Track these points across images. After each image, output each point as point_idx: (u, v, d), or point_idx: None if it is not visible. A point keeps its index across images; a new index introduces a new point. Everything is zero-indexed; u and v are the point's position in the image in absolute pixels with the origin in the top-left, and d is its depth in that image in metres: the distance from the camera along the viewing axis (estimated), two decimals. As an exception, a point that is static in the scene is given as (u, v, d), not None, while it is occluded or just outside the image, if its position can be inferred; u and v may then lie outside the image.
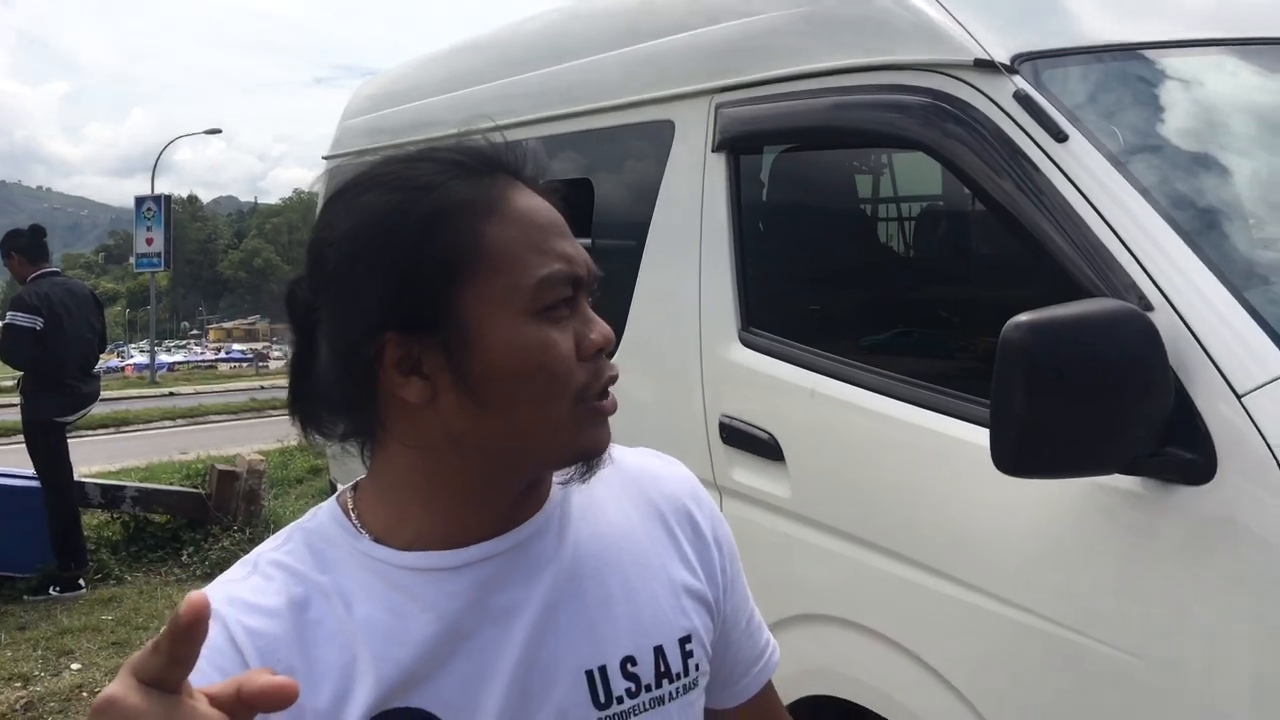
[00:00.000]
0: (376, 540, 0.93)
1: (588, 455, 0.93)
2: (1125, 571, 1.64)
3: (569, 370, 0.89)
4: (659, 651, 0.98)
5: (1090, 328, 1.50)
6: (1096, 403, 1.49)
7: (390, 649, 0.89)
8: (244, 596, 0.90)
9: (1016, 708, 1.80)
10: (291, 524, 0.98)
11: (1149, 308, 1.59)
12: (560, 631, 0.94)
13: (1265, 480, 1.47)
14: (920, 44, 2.01)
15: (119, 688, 0.63)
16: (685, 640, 1.00)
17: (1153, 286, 1.62)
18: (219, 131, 42.73)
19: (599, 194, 2.91)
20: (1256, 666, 1.49)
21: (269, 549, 0.95)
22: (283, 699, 0.65)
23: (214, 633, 0.85)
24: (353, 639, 0.89)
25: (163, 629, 0.64)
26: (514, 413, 0.89)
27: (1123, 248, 1.67)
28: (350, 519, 0.95)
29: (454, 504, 0.93)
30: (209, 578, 6.11)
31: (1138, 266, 1.65)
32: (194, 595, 0.62)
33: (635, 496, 1.05)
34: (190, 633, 0.62)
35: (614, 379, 0.94)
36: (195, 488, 6.96)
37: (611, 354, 0.94)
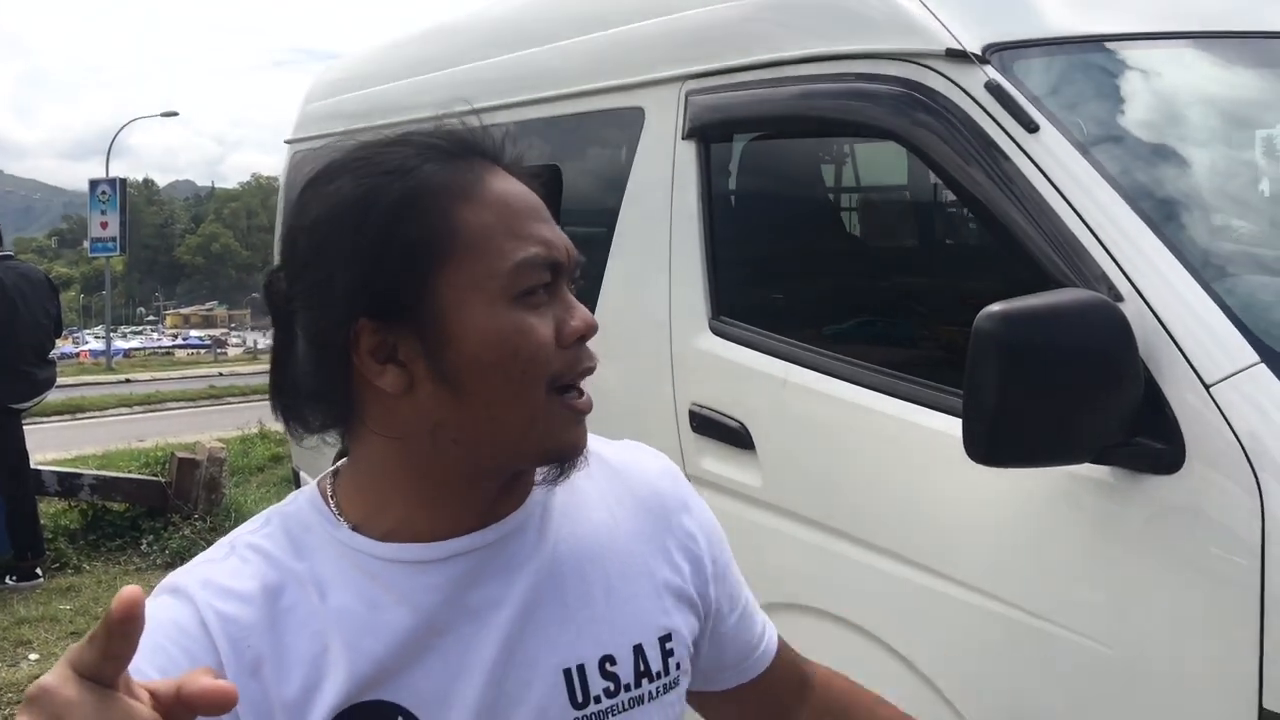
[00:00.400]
0: (354, 529, 0.92)
1: (563, 454, 0.92)
2: (1093, 560, 1.66)
3: (546, 357, 0.88)
4: (639, 650, 0.97)
5: (1061, 318, 1.51)
6: (1068, 392, 1.50)
7: (363, 640, 0.87)
8: (218, 580, 0.88)
9: (985, 695, 1.82)
10: (271, 507, 0.97)
11: (1119, 298, 1.61)
12: (539, 630, 0.93)
13: (1232, 470, 1.49)
14: (892, 33, 2.01)
15: (54, 678, 0.61)
16: (666, 639, 0.99)
17: (1123, 277, 1.64)
18: (175, 114, 42.13)
19: (568, 180, 2.89)
20: (1219, 655, 1.50)
21: (247, 532, 0.94)
22: (221, 703, 0.64)
23: (185, 616, 0.85)
24: (325, 629, 0.87)
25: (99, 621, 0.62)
26: (491, 401, 0.87)
27: (1093, 238, 1.68)
28: (329, 506, 0.93)
29: (432, 496, 0.91)
30: (169, 567, 6.05)
31: (1108, 257, 1.66)
32: (127, 590, 0.61)
33: (620, 491, 1.03)
34: (124, 628, 0.60)
35: (592, 368, 0.93)
36: (155, 476, 6.86)
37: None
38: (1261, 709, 1.44)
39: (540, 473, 0.95)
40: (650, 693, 0.97)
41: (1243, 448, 1.48)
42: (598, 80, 2.76)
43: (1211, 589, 1.52)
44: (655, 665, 0.98)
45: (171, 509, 6.55)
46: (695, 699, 1.14)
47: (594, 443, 0.98)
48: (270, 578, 0.89)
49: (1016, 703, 1.77)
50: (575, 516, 0.99)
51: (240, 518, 6.52)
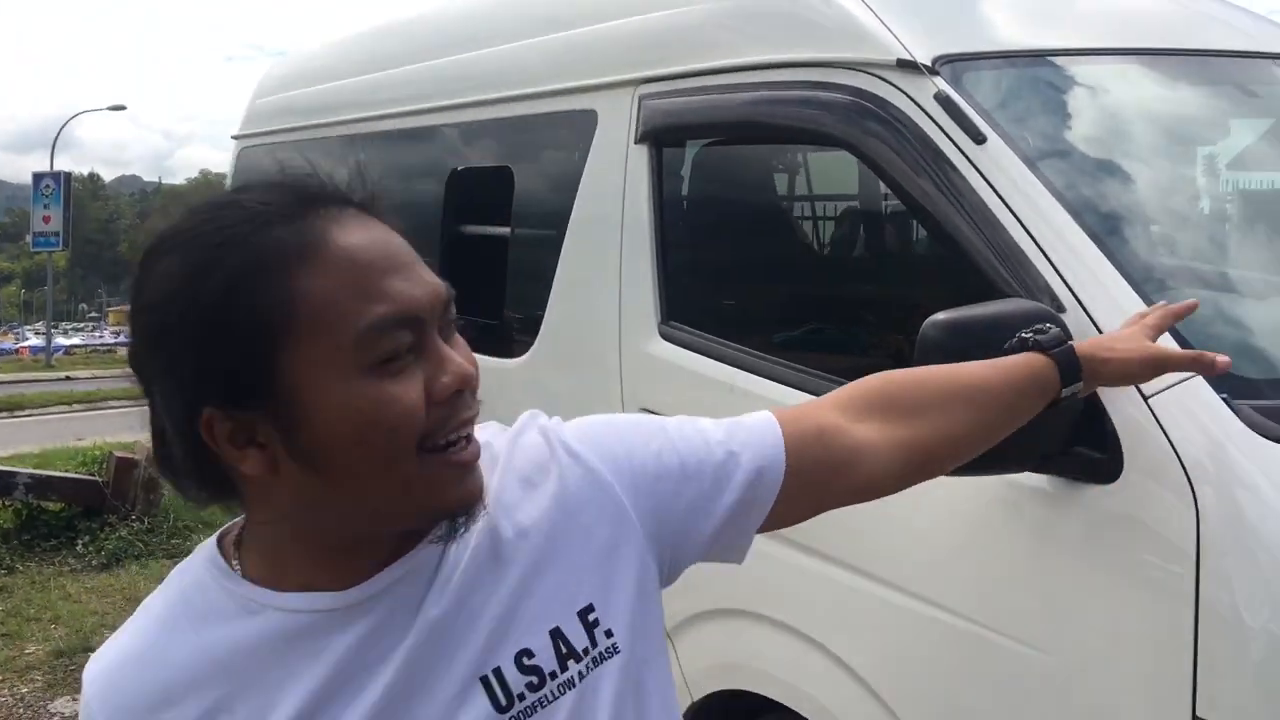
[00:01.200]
0: (257, 583, 0.89)
1: (452, 512, 0.87)
2: (1031, 568, 1.68)
3: (412, 423, 0.82)
4: (556, 634, 0.92)
5: (1005, 328, 1.52)
6: (1010, 402, 1.51)
7: (274, 697, 0.85)
8: (117, 672, 0.89)
9: (924, 700, 1.83)
10: (174, 569, 0.95)
11: (1061, 309, 1.62)
12: (449, 647, 0.89)
13: (1168, 481, 1.51)
14: (844, 42, 2.03)
15: None
16: (587, 611, 0.94)
17: (1065, 288, 1.66)
18: (123, 108, 41.59)
19: (519, 182, 2.88)
20: (1154, 662, 1.53)
21: (152, 599, 0.93)
22: None
23: None
24: (230, 696, 0.85)
25: None
26: (358, 476, 0.83)
27: (1037, 250, 1.70)
28: (229, 562, 0.91)
29: (328, 559, 0.88)
30: (104, 568, 5.95)
31: (1051, 268, 1.68)
32: None
33: (508, 480, 0.97)
34: None
35: (470, 419, 0.87)
36: (92, 475, 6.72)
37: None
38: (1195, 717, 1.46)
39: (434, 532, 0.90)
40: (580, 672, 0.92)
41: (1179, 459, 1.50)
42: (551, 82, 2.74)
43: (1147, 597, 1.54)
44: (580, 643, 0.92)
45: (109, 509, 6.42)
46: (766, 525, 1.07)
47: (482, 503, 0.92)
48: (170, 651, 0.87)
49: (955, 708, 1.78)
50: (480, 524, 0.94)
51: (179, 519, 6.43)
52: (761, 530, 1.08)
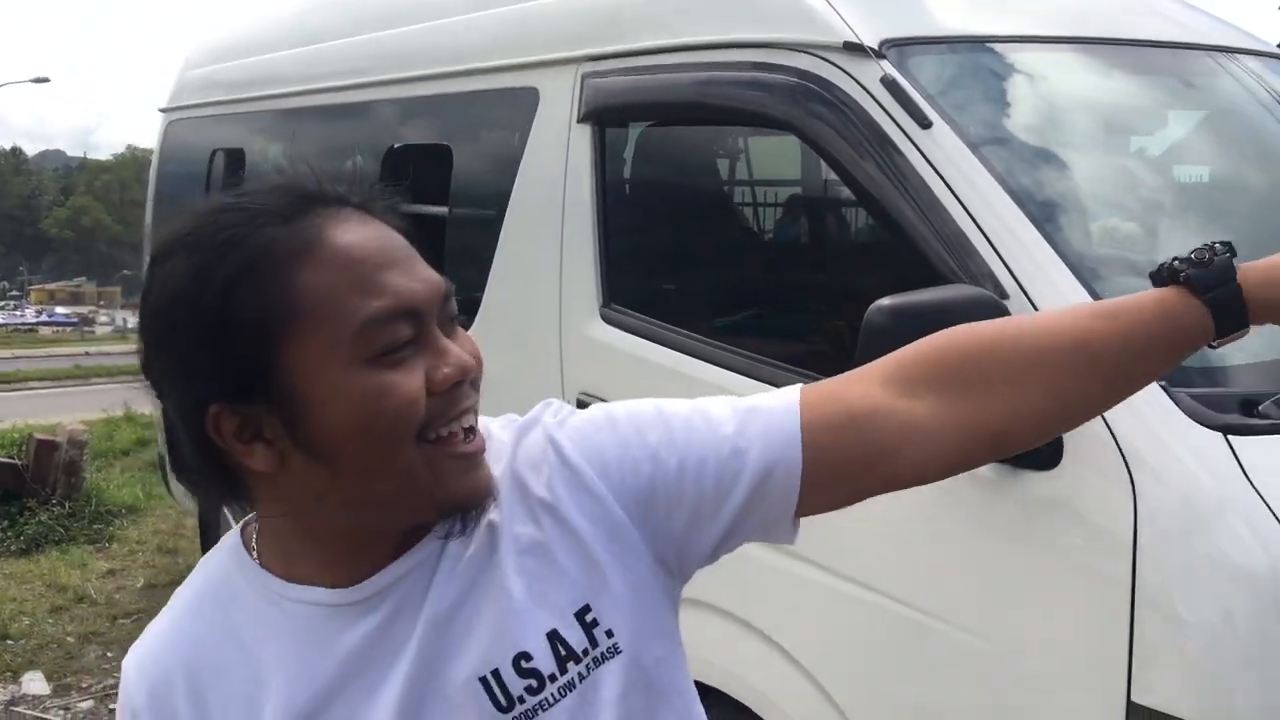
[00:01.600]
0: (274, 574, 0.92)
1: (458, 504, 0.87)
2: (969, 553, 1.68)
3: (414, 412, 0.83)
4: (554, 636, 0.90)
5: (949, 313, 1.52)
6: (953, 387, 1.51)
7: (289, 689, 0.88)
8: (148, 657, 0.95)
9: (863, 686, 1.83)
10: (202, 558, 1.00)
11: (1004, 295, 1.63)
12: (454, 645, 0.90)
13: (1107, 469, 1.52)
14: (791, 23, 2.01)
15: None
16: (584, 612, 0.91)
17: (1008, 275, 1.66)
18: (47, 80, 40.27)
19: (458, 161, 2.82)
20: (1091, 649, 1.54)
21: (183, 586, 0.98)
22: None
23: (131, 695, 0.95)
24: (251, 686, 0.90)
25: None
26: (365, 468, 0.84)
27: (981, 236, 1.71)
28: (250, 553, 0.94)
29: (339, 553, 0.90)
30: (24, 553, 5.80)
31: (994, 255, 1.69)
32: None
33: (507, 481, 0.95)
34: None
35: (468, 409, 0.87)
36: (11, 458, 6.52)
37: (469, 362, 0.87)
38: (1130, 702, 1.48)
39: (442, 526, 0.89)
40: (580, 673, 0.90)
41: (1118, 446, 1.51)
42: (492, 58, 2.70)
43: (1084, 584, 1.55)
44: (579, 645, 0.91)
45: (28, 493, 6.26)
46: (802, 512, 0.97)
47: (491, 497, 0.91)
48: (195, 639, 0.92)
49: (893, 694, 1.78)
50: (480, 525, 0.93)
51: (101, 503, 6.28)
52: (802, 515, 0.98)
